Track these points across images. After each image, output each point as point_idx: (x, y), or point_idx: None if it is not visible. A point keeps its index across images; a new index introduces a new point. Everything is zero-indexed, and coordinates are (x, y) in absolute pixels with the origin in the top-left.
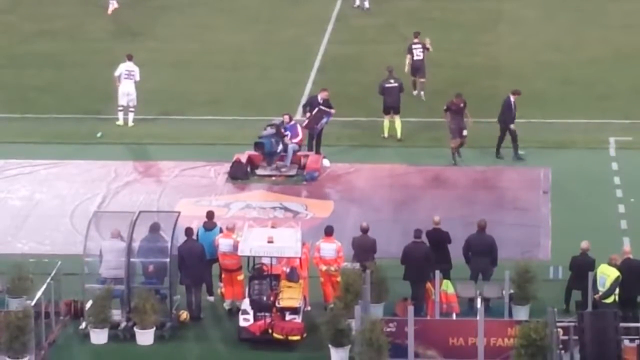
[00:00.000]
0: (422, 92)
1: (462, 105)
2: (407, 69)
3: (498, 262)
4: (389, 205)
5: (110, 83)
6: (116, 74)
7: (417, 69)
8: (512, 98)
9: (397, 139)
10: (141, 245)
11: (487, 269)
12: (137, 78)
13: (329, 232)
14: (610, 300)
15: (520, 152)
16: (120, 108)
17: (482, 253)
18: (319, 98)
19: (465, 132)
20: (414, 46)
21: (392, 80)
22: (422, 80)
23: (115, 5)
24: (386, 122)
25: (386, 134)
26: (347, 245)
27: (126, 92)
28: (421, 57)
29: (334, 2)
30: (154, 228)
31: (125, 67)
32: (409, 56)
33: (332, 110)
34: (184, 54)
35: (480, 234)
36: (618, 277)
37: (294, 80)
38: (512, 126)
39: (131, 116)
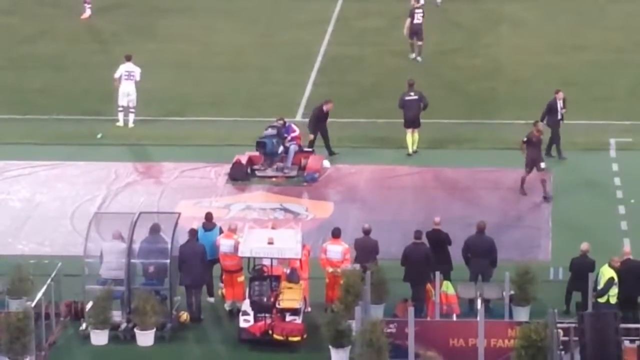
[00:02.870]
0: (419, 57)
1: (541, 137)
2: (405, 31)
3: (498, 263)
4: (389, 207)
5: (111, 84)
6: (116, 75)
7: (416, 32)
8: (558, 100)
9: (413, 151)
10: (141, 246)
11: (487, 270)
12: (138, 78)
13: (336, 234)
14: (603, 299)
15: (553, 154)
16: (121, 109)
17: (482, 254)
18: (323, 109)
19: (543, 165)
20: (416, 10)
21: (412, 93)
22: (419, 43)
23: (88, 13)
24: (409, 136)
25: (410, 151)
26: (349, 246)
27: (126, 92)
28: (420, 21)
29: (334, 3)
30: (154, 229)
31: (125, 68)
32: (409, 19)
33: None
34: (184, 55)
35: (479, 235)
36: (612, 277)
37: (295, 81)
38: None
39: (131, 117)
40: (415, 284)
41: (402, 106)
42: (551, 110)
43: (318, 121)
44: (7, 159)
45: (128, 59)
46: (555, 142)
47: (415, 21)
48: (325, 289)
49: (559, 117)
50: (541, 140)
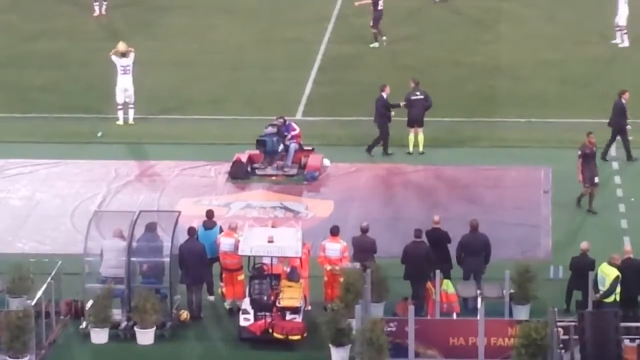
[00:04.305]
0: (384, 37)
1: (595, 149)
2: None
3: (499, 261)
4: (389, 205)
5: (111, 83)
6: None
7: (379, 19)
8: (623, 100)
9: (419, 152)
10: (138, 244)
11: (481, 268)
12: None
13: (334, 232)
14: (610, 299)
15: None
16: (120, 107)
17: (477, 252)
18: (383, 95)
19: (597, 180)
20: None
21: (417, 93)
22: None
23: (97, 12)
24: (411, 136)
25: (411, 149)
26: (347, 244)
27: (123, 88)
28: (382, 8)
29: (334, 1)
30: (151, 227)
31: (121, 63)
32: (372, 5)
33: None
34: (184, 53)
35: (473, 233)
36: (617, 276)
37: (295, 79)
38: (628, 127)
39: (131, 113)
40: (415, 282)
41: (407, 105)
42: (618, 112)
43: (385, 109)
44: (7, 157)
45: (124, 54)
46: (626, 143)
47: (379, 8)
48: (324, 286)
49: (627, 118)
50: (595, 152)
